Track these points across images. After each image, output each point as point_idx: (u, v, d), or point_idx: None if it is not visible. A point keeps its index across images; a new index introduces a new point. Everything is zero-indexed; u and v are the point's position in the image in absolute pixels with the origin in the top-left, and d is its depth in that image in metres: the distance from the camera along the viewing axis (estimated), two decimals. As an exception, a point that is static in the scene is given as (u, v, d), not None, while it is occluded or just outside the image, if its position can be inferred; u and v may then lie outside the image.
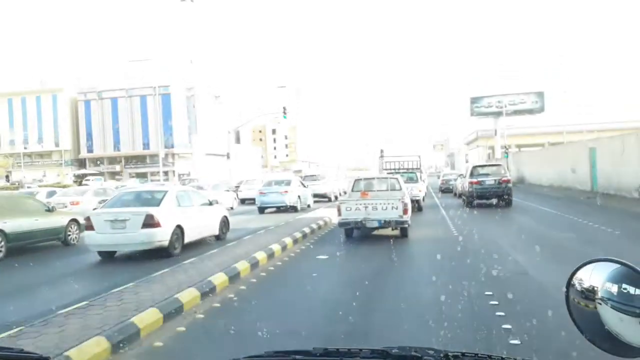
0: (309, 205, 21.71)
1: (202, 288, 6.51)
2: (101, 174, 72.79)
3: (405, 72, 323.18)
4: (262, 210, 20.45)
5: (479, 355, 1.32)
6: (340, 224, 11.15)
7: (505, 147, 46.96)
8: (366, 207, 10.83)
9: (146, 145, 74.23)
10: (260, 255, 8.92)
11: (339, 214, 11.10)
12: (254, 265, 8.41)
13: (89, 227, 9.78)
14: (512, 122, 71.31)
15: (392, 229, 11.47)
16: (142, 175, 73.02)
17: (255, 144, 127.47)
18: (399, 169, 22.19)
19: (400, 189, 12.46)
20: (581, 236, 10.89)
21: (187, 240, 10.37)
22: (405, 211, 10.84)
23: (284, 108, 33.07)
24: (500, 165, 21.24)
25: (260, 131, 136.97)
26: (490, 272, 6.56)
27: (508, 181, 18.57)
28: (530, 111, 74.60)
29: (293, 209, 19.85)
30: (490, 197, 19.14)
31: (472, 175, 19.24)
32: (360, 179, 13.62)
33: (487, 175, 19.17)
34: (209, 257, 8.98)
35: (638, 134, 19.51)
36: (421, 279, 7.45)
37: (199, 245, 11.07)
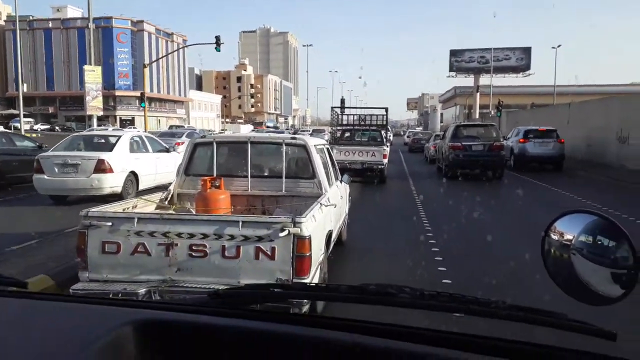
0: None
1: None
2: (32, 115, 64.31)
3: (379, 22, 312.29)
4: (56, 199, 10.20)
5: (453, 295, 1.22)
6: None
7: (499, 102, 35.63)
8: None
9: (83, 85, 65.13)
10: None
11: None
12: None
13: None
14: (493, 80, 64.99)
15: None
16: (80, 119, 64.68)
17: (219, 91, 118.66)
18: (357, 124, 17.74)
19: (313, 177, 5.16)
20: None
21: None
22: None
23: (217, 38, 25.70)
24: (492, 125, 16.80)
25: (224, 78, 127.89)
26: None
27: (500, 147, 14.70)
28: (514, 69, 68.46)
29: (119, 198, 8.80)
30: (476, 167, 15.22)
31: (455, 137, 15.01)
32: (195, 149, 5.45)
33: (474, 138, 15.15)
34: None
35: None
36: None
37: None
